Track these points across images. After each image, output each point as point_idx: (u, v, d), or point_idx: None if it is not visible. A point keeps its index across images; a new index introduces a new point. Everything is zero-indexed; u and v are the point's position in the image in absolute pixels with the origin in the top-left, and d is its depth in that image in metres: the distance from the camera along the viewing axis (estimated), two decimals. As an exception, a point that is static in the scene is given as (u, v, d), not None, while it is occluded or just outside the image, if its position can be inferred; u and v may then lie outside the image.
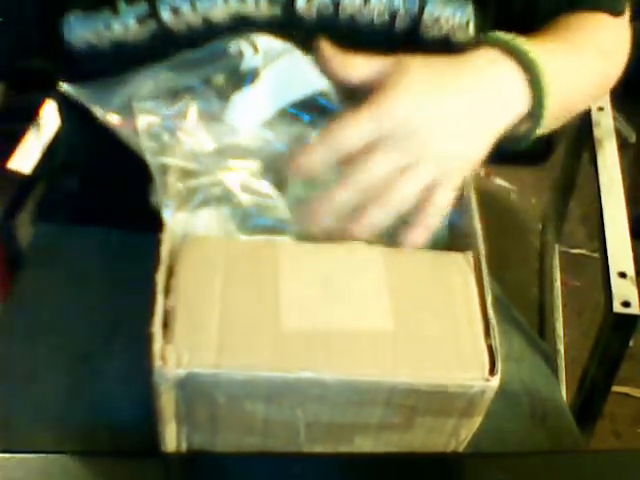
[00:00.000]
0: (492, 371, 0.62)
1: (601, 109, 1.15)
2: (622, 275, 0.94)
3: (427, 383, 0.61)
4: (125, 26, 0.75)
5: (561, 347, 1.28)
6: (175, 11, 0.75)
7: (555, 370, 1.06)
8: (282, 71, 0.67)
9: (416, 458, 0.69)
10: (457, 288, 0.67)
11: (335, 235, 0.67)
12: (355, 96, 0.68)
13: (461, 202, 0.72)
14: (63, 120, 1.00)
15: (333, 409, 0.63)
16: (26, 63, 0.92)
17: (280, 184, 0.69)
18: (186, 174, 0.68)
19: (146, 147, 0.67)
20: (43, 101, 1.10)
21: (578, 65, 0.77)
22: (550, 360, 0.99)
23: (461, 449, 0.68)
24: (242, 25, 0.75)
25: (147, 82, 0.68)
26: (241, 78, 0.68)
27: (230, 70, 0.68)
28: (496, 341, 0.63)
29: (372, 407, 0.63)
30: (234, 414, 0.63)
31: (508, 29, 0.72)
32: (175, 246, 0.66)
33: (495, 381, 0.61)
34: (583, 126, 1.18)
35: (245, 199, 0.69)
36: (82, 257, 0.94)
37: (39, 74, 0.96)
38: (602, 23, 0.83)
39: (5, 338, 0.89)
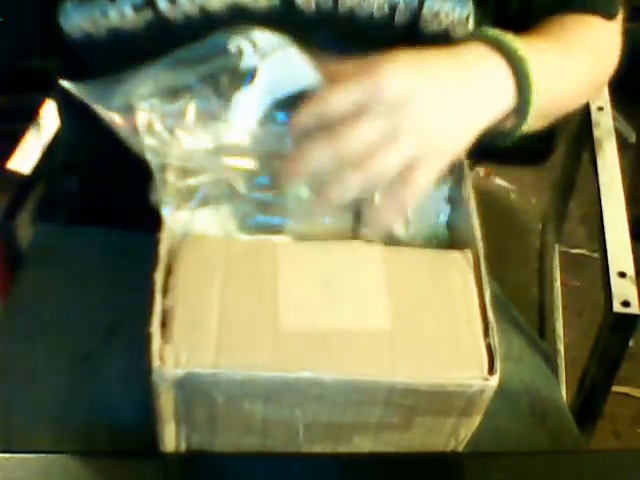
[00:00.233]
0: (491, 370, 0.62)
1: (601, 109, 1.15)
2: (622, 275, 0.94)
3: (426, 383, 0.61)
4: (121, 14, 0.75)
5: (561, 347, 1.28)
6: (172, 0, 0.75)
7: (555, 370, 1.06)
8: (278, 66, 0.67)
9: (415, 458, 0.69)
10: (456, 287, 0.67)
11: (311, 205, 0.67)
12: None
13: (461, 202, 0.73)
14: (63, 120, 1.00)
15: (332, 409, 0.63)
16: (26, 63, 0.92)
17: (279, 183, 0.69)
18: (186, 172, 0.68)
19: (146, 146, 0.67)
20: (43, 101, 1.10)
21: (569, 64, 0.78)
22: (550, 360, 0.99)
23: (460, 448, 0.68)
24: (239, 16, 0.75)
25: (147, 81, 0.68)
26: (241, 76, 0.68)
27: (229, 68, 0.68)
28: (495, 340, 0.63)
29: (371, 407, 0.63)
30: (233, 414, 0.63)
31: (506, 24, 0.72)
32: (174, 245, 0.66)
33: (494, 380, 0.61)
34: (583, 126, 1.18)
35: (245, 197, 0.69)
36: (82, 257, 0.94)
37: (39, 74, 0.96)
38: (595, 25, 0.84)
39: (5, 338, 0.89)
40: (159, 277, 0.63)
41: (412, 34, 0.78)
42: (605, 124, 1.14)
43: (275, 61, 0.67)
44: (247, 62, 0.67)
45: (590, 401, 1.01)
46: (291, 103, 0.68)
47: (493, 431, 0.73)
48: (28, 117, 1.11)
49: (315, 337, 0.62)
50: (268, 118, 0.68)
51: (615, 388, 1.03)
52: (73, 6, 0.76)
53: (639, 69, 1.65)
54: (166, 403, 0.62)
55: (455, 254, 0.69)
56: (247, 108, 0.67)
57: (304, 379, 0.60)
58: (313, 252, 0.68)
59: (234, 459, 0.68)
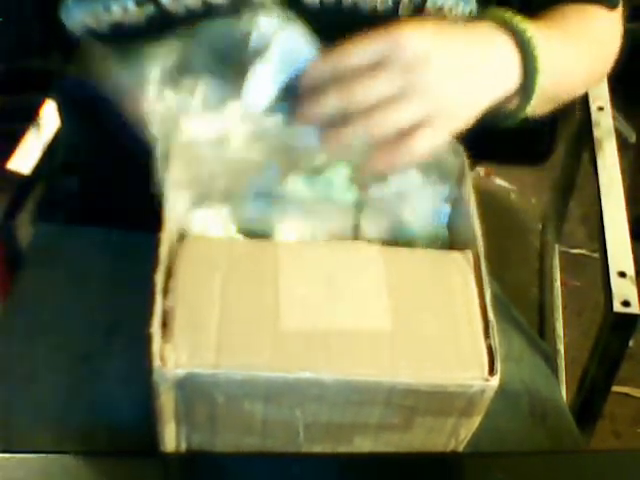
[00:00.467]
0: (491, 371, 0.62)
1: (601, 109, 1.15)
2: (622, 275, 0.94)
3: (426, 383, 0.61)
4: (124, 8, 0.75)
5: (561, 347, 1.28)
6: None
7: (555, 370, 1.06)
8: (288, 44, 0.68)
9: (416, 458, 0.69)
10: (457, 288, 0.67)
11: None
12: None
13: (461, 202, 0.73)
14: (63, 120, 1.00)
15: (332, 409, 0.63)
16: (26, 63, 0.92)
17: (285, 172, 0.69)
18: (190, 160, 0.68)
19: (153, 129, 0.67)
20: (43, 101, 1.10)
21: (572, 51, 0.79)
22: (550, 360, 0.99)
23: (461, 449, 0.68)
24: (242, 9, 0.75)
25: (154, 61, 0.68)
26: (249, 58, 0.68)
27: (239, 46, 0.68)
28: (495, 341, 0.63)
29: (371, 407, 0.63)
30: (233, 414, 0.63)
31: None
32: (174, 246, 0.66)
33: (495, 381, 0.61)
34: (583, 126, 1.18)
35: (245, 197, 0.69)
36: (82, 257, 0.94)
37: (39, 74, 0.96)
38: (597, 15, 0.85)
39: (5, 338, 0.89)
40: (160, 277, 0.63)
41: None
42: (605, 124, 1.14)
43: (285, 38, 0.67)
44: (256, 40, 0.68)
45: (590, 401, 1.01)
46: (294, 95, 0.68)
47: (493, 431, 0.73)
48: (28, 117, 1.11)
49: (315, 337, 0.62)
50: (274, 108, 0.68)
51: (615, 388, 1.03)
52: (75, 2, 0.76)
53: (639, 69, 1.65)
54: (166, 403, 0.62)
55: (455, 254, 0.69)
56: (261, 86, 0.68)
57: (304, 379, 0.60)
58: (313, 252, 0.68)
59: (234, 459, 0.68)
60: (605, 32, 0.86)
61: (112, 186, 0.92)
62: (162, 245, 0.65)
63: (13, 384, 0.83)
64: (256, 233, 0.70)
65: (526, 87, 0.71)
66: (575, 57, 0.80)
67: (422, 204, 0.73)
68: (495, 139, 0.85)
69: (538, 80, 0.71)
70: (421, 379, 0.61)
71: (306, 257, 0.68)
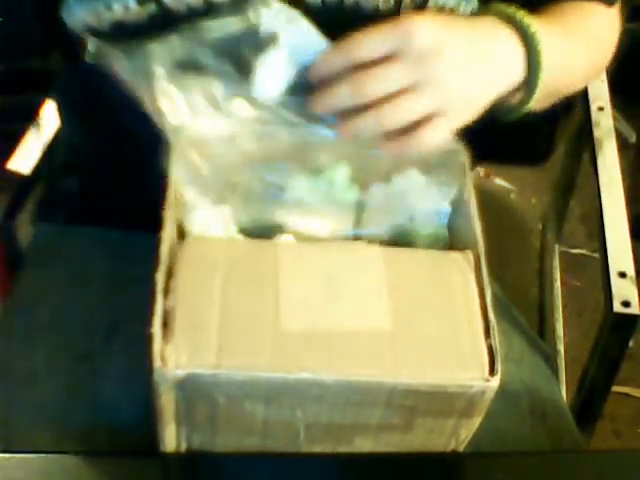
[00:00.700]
0: (492, 371, 0.62)
1: (601, 109, 1.15)
2: (622, 275, 0.94)
3: (427, 383, 0.61)
4: (125, 7, 0.75)
5: (561, 347, 1.28)
6: None
7: (555, 370, 1.06)
8: (294, 39, 0.68)
9: (416, 458, 0.69)
10: (457, 288, 0.67)
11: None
12: None
13: (461, 203, 0.73)
14: (63, 120, 1.00)
15: (333, 410, 0.63)
16: (26, 63, 0.91)
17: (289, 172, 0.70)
18: (192, 159, 0.68)
19: (164, 113, 0.67)
20: (43, 101, 1.10)
21: (572, 47, 0.80)
22: (550, 360, 0.99)
23: (461, 449, 0.68)
24: (245, 7, 0.74)
25: (162, 54, 0.68)
26: (257, 48, 0.68)
27: (247, 40, 0.68)
28: (496, 341, 0.63)
29: (372, 408, 0.63)
30: (234, 414, 0.63)
31: None
32: (174, 246, 0.66)
33: (495, 381, 0.61)
34: (583, 126, 1.18)
35: (246, 197, 0.69)
36: (82, 257, 0.93)
37: (39, 74, 0.96)
38: (595, 11, 0.85)
39: (5, 338, 0.89)
40: (160, 277, 0.63)
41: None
42: (605, 124, 1.14)
43: (293, 31, 0.67)
44: (263, 34, 0.67)
45: (590, 401, 1.01)
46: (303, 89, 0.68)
47: (493, 431, 0.72)
48: (28, 117, 1.11)
49: (316, 338, 0.62)
50: (284, 101, 0.69)
51: (615, 388, 1.03)
52: (76, 0, 0.76)
53: (639, 69, 1.65)
54: (167, 403, 0.62)
55: (455, 254, 0.69)
56: (271, 74, 0.68)
57: (305, 380, 0.60)
58: (313, 252, 0.68)
59: (234, 459, 0.68)
60: (603, 28, 0.87)
61: (112, 186, 0.92)
62: (162, 245, 0.65)
63: (13, 384, 0.83)
64: (256, 233, 0.70)
65: (529, 82, 0.72)
66: (574, 52, 0.80)
67: (423, 204, 0.73)
68: (495, 139, 0.85)
69: (541, 75, 0.72)
70: (421, 380, 0.61)
71: (306, 257, 0.67)
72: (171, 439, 0.66)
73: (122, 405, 0.80)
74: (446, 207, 0.74)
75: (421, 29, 0.66)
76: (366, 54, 0.67)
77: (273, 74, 0.68)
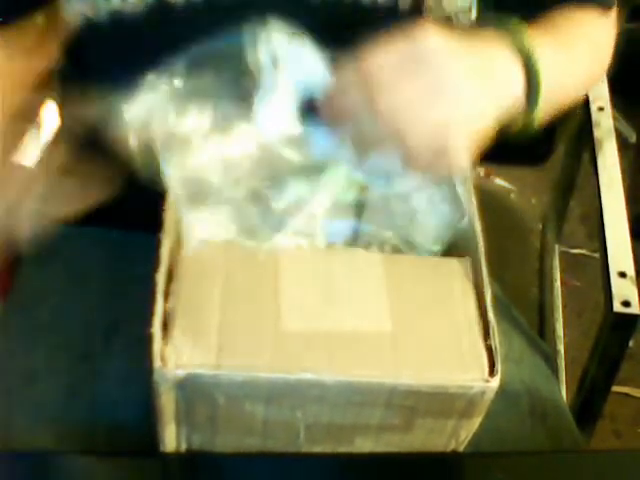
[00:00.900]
0: (492, 372, 0.62)
1: (601, 109, 1.15)
2: (622, 275, 0.94)
3: (427, 384, 0.61)
4: None
5: (561, 347, 1.28)
6: None
7: (555, 370, 1.06)
8: (297, 67, 0.67)
9: (416, 458, 0.69)
10: (457, 288, 0.67)
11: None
12: None
13: (461, 202, 0.73)
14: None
15: (333, 410, 0.63)
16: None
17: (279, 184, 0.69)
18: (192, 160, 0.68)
19: (163, 160, 0.67)
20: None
21: (570, 58, 0.79)
22: (550, 360, 0.99)
23: (461, 449, 0.68)
24: (243, 2, 0.74)
25: (160, 86, 0.67)
26: (259, 77, 0.67)
27: (247, 69, 0.67)
28: (496, 342, 0.63)
29: (372, 408, 0.63)
30: (234, 415, 0.63)
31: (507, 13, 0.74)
32: (174, 246, 0.66)
33: (495, 382, 0.61)
34: (583, 126, 1.18)
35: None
36: (82, 257, 0.93)
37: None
38: (592, 19, 0.85)
39: (5, 338, 0.89)
40: (160, 278, 0.63)
41: (415, 21, 0.79)
42: (605, 124, 1.14)
43: (294, 61, 0.67)
44: (265, 61, 0.67)
45: (590, 401, 1.01)
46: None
47: (493, 431, 0.73)
48: (28, 117, 1.10)
49: (316, 338, 0.62)
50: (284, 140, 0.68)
51: (615, 388, 1.03)
52: None
53: (639, 69, 1.65)
54: (167, 404, 0.62)
55: (455, 258, 0.69)
56: (273, 112, 0.67)
57: (305, 380, 0.60)
58: (313, 255, 0.68)
59: (234, 459, 0.68)
60: (600, 36, 0.86)
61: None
62: (163, 246, 0.65)
63: (13, 384, 0.83)
64: (256, 234, 0.70)
65: (530, 100, 0.71)
66: (573, 63, 0.80)
67: (423, 204, 0.73)
68: (495, 139, 0.85)
69: (541, 92, 0.70)
70: (422, 380, 0.61)
71: (306, 259, 0.68)
72: (171, 439, 0.66)
73: (122, 405, 0.80)
74: (446, 207, 0.74)
75: (432, 36, 0.65)
76: (379, 66, 0.65)
77: (274, 113, 0.67)
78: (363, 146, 0.67)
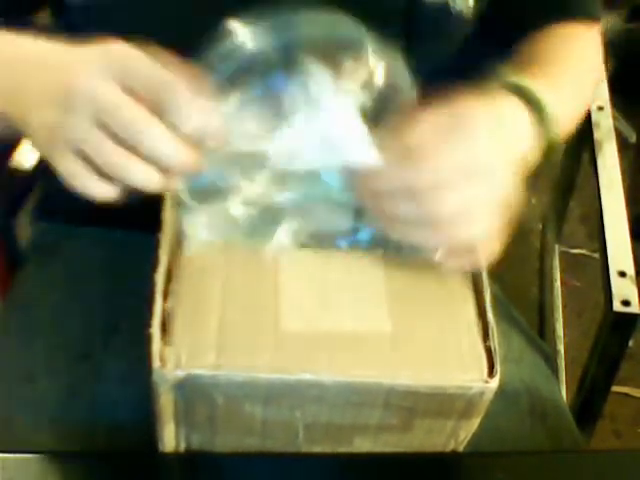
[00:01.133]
0: (491, 372, 0.62)
1: (601, 109, 1.15)
2: (622, 274, 0.94)
3: (426, 385, 0.61)
4: None
5: (561, 347, 1.28)
6: None
7: (555, 370, 1.06)
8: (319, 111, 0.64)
9: (415, 458, 0.69)
10: (456, 289, 0.67)
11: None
12: None
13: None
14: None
15: (332, 410, 0.63)
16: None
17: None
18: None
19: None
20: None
21: (574, 89, 0.81)
22: (550, 360, 0.99)
23: (460, 449, 0.68)
24: None
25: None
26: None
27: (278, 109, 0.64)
28: (495, 342, 0.63)
29: (371, 408, 0.63)
30: (233, 415, 0.63)
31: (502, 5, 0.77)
32: (174, 246, 0.66)
33: (494, 382, 0.61)
34: (583, 126, 1.18)
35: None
36: (82, 257, 0.93)
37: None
38: (580, 33, 0.87)
39: (4, 338, 0.89)
40: (160, 278, 0.63)
41: (413, 6, 0.79)
42: (605, 124, 1.14)
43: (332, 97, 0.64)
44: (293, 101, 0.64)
45: (590, 401, 1.01)
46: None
47: (493, 431, 0.73)
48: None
49: (315, 339, 0.62)
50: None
51: (615, 388, 1.03)
52: None
53: (638, 69, 1.65)
54: (166, 404, 0.62)
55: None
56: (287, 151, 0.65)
57: (304, 381, 0.60)
58: (314, 256, 0.68)
59: (234, 459, 0.68)
60: (594, 52, 0.88)
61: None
62: (162, 246, 0.65)
63: (13, 384, 0.83)
64: (256, 234, 0.70)
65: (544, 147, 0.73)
66: (577, 91, 0.82)
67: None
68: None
69: (555, 138, 0.73)
70: (420, 381, 0.61)
71: (306, 260, 0.68)
72: (170, 439, 0.66)
73: (122, 405, 0.80)
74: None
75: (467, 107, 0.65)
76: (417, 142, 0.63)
77: (288, 149, 0.65)
78: (394, 228, 0.66)
